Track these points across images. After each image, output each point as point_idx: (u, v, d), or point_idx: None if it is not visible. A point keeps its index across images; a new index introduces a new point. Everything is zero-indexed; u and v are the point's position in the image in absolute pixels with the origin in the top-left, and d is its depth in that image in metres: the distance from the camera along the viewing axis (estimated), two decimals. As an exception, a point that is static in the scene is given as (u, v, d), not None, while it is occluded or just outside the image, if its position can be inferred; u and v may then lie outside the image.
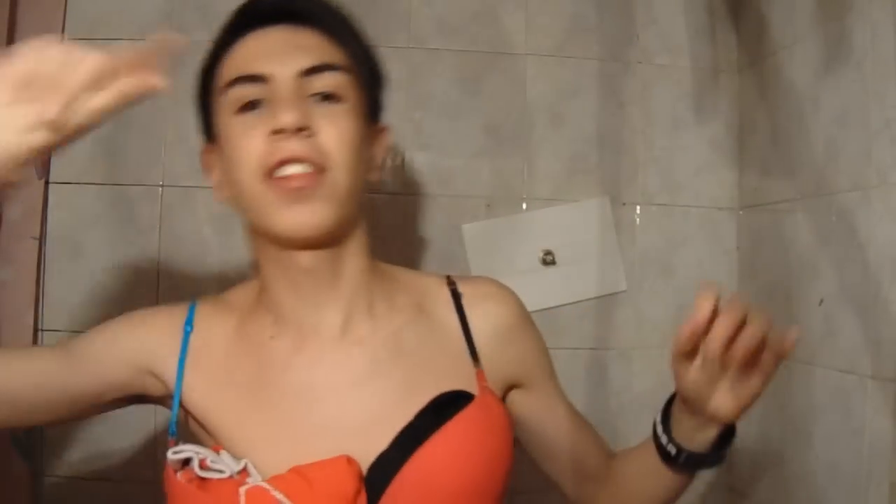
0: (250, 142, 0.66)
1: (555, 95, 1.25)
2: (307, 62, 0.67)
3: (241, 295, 0.78)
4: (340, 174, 0.67)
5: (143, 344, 0.73)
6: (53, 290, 1.17)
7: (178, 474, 0.66)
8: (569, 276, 1.23)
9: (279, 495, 0.63)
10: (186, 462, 0.66)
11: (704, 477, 1.24)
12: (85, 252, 1.18)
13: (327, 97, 0.68)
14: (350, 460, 0.65)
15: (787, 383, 1.07)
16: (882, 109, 0.89)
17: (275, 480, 0.64)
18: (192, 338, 0.73)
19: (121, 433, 1.16)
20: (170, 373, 0.72)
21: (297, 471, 0.64)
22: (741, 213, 1.25)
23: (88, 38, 1.18)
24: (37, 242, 1.15)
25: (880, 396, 0.88)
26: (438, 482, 0.66)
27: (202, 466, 0.65)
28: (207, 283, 1.18)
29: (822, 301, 1.00)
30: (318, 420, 0.69)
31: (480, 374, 0.74)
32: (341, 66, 0.69)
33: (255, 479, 0.64)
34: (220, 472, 0.65)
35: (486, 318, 0.77)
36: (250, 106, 0.67)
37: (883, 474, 0.87)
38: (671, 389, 0.69)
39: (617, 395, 1.23)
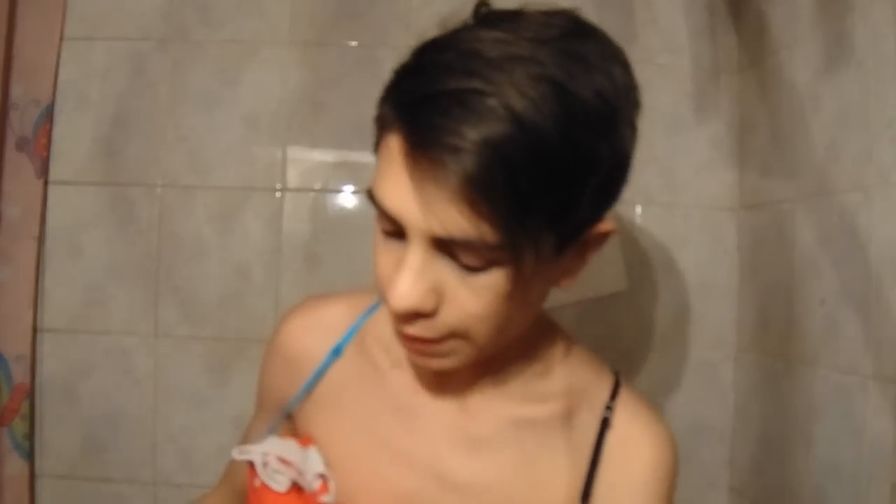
0: (384, 269, 0.55)
1: (555, 95, 1.24)
2: (439, 230, 0.50)
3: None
4: (475, 341, 0.55)
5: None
6: (53, 290, 1.17)
7: (255, 480, 0.61)
8: (569, 276, 1.23)
9: None
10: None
11: (705, 476, 1.24)
12: (84, 252, 1.18)
13: (465, 266, 0.52)
14: None
15: (787, 383, 1.07)
16: (883, 109, 0.89)
17: None
18: (333, 367, 0.68)
19: (121, 433, 1.16)
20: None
21: None
22: (742, 212, 1.25)
23: (88, 38, 1.18)
24: (36, 242, 1.15)
25: (881, 397, 0.88)
26: None
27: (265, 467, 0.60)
28: (207, 284, 1.18)
29: (822, 301, 1.00)
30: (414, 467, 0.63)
31: None
32: (485, 244, 0.50)
33: (331, 498, 0.60)
34: (277, 478, 0.60)
35: (622, 472, 0.62)
36: (391, 233, 0.54)
37: (883, 475, 0.87)
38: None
39: (617, 395, 1.23)
